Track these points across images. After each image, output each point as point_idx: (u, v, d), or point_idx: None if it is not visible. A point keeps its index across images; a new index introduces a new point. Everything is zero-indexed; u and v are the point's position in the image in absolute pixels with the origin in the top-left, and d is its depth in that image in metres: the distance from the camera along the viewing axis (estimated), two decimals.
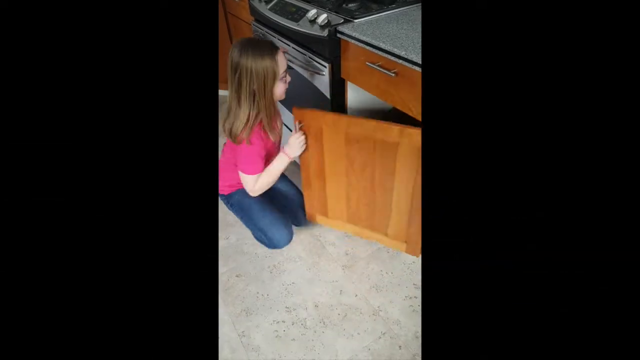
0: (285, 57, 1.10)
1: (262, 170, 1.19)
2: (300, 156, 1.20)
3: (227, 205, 1.41)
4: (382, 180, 1.15)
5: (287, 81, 1.13)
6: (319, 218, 1.41)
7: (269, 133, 1.16)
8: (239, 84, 1.04)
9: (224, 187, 1.35)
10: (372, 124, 1.03)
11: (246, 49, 1.01)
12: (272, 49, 1.04)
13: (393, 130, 1.01)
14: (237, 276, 1.35)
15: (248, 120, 1.08)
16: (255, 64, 1.01)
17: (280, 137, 1.28)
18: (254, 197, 1.28)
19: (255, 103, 1.07)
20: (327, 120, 1.09)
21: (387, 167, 1.11)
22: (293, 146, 1.16)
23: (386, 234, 1.30)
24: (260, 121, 1.12)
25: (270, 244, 1.33)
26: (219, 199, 1.42)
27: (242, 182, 1.22)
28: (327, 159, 1.19)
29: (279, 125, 1.25)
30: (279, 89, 1.11)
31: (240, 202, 1.34)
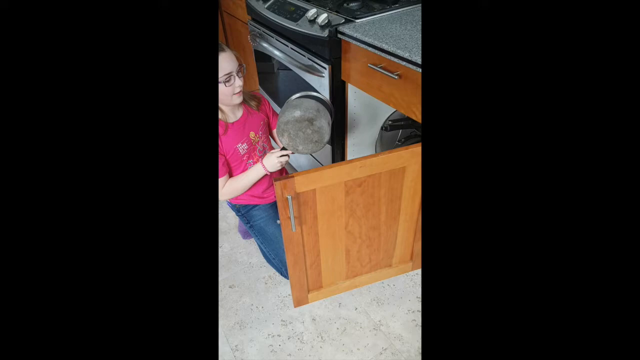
0: (233, 61, 1.01)
1: (224, 174, 1.11)
2: (285, 238, 1.01)
3: (241, 219, 1.32)
4: (388, 211, 1.06)
5: (236, 85, 1.03)
6: (312, 296, 1.20)
7: (222, 138, 1.09)
8: None
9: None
10: (380, 158, 0.92)
11: None
12: None
13: (403, 156, 0.93)
14: (230, 287, 1.29)
15: None
16: None
17: (259, 144, 1.20)
18: (278, 226, 1.21)
19: None
20: (322, 177, 0.90)
21: (394, 194, 1.02)
22: (273, 163, 1.09)
23: (390, 265, 1.23)
24: None
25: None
26: (229, 207, 1.34)
27: None
28: (321, 224, 1.01)
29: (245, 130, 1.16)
30: (220, 93, 1.02)
31: (263, 230, 1.26)
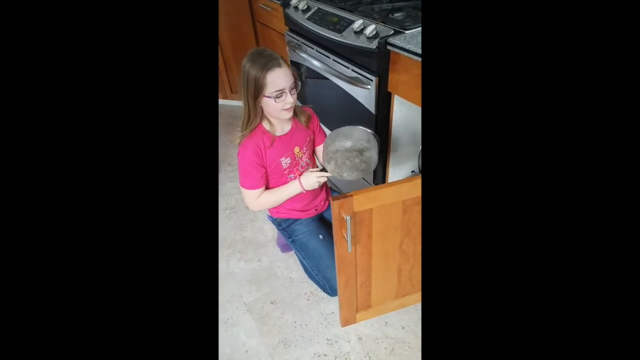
0: (288, 77, 0.98)
1: (260, 186, 1.11)
2: (338, 258, 0.97)
3: (282, 233, 1.31)
4: None
5: (287, 102, 1.00)
6: (360, 315, 1.16)
7: (266, 151, 1.08)
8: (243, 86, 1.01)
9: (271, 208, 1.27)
10: None
11: (251, 53, 0.98)
12: (268, 64, 0.95)
13: None
14: (271, 303, 1.26)
15: (243, 123, 1.05)
16: (247, 69, 0.97)
17: (304, 161, 1.18)
18: (321, 241, 1.22)
19: (248, 110, 1.03)
20: (381, 196, 0.87)
21: None
22: (311, 182, 1.08)
23: None
24: (255, 134, 1.06)
25: (333, 293, 1.22)
26: (271, 220, 1.33)
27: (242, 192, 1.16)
28: (375, 244, 0.97)
29: (293, 146, 1.13)
30: (270, 107, 1.01)
31: (305, 245, 1.24)
